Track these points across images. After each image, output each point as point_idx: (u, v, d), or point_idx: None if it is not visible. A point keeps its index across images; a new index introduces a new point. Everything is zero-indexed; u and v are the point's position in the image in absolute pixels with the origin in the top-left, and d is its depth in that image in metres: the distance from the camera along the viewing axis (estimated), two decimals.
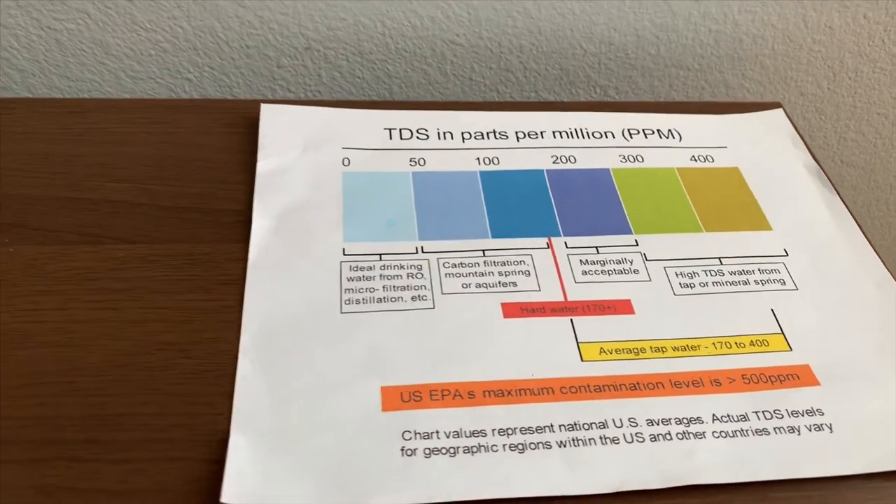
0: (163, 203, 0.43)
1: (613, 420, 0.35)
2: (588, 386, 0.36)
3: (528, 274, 0.41)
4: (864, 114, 0.68)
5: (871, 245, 0.45)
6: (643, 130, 0.51)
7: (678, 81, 0.63)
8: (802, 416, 0.36)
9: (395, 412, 0.35)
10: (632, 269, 0.42)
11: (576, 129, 0.50)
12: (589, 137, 0.50)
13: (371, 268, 0.41)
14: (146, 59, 0.57)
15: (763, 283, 0.42)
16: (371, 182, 0.45)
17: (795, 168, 0.50)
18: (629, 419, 0.35)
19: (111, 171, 0.45)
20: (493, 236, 0.43)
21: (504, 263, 0.42)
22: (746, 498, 0.33)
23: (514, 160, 0.48)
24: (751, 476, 0.33)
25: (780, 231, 0.45)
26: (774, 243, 0.45)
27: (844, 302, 0.42)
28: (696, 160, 0.49)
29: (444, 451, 0.33)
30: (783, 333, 0.40)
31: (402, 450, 0.33)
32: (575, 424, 0.35)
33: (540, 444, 0.34)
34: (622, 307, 0.40)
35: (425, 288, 0.40)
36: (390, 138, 0.48)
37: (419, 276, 0.41)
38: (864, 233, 0.46)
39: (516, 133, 0.50)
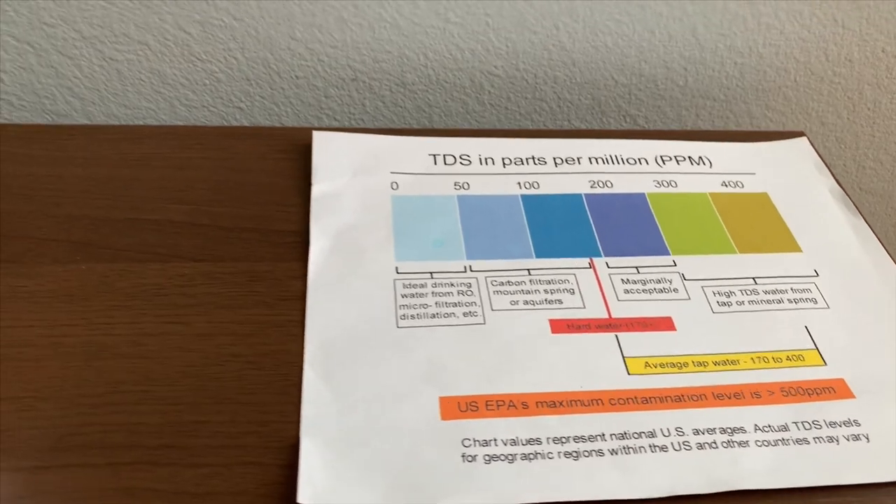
0: (223, 224, 0.46)
1: (661, 429, 0.37)
2: (636, 398, 0.38)
3: (572, 292, 0.43)
4: (882, 142, 0.70)
5: None
6: (675, 157, 0.53)
7: (704, 111, 0.65)
8: (840, 426, 0.38)
9: (454, 421, 0.36)
10: (671, 289, 0.44)
11: (611, 156, 0.53)
12: (624, 163, 0.52)
13: (423, 285, 0.43)
14: (200, 89, 0.59)
15: (796, 301, 0.44)
16: (419, 205, 0.48)
17: (821, 193, 0.52)
18: (676, 429, 0.37)
19: (171, 194, 0.47)
20: (537, 256, 0.45)
21: (549, 282, 0.44)
22: None
23: (554, 184, 0.50)
24: (793, 482, 0.35)
25: (809, 253, 0.47)
26: (805, 264, 0.47)
27: (874, 320, 0.44)
28: (726, 185, 0.52)
29: (502, 457, 0.35)
30: (818, 349, 0.42)
31: (463, 456, 0.35)
32: (625, 434, 0.36)
33: (593, 452, 0.36)
34: (664, 324, 0.42)
35: (475, 304, 0.42)
36: (435, 164, 0.51)
37: (469, 293, 0.43)
38: (889, 254, 0.48)
39: (554, 159, 0.52)
